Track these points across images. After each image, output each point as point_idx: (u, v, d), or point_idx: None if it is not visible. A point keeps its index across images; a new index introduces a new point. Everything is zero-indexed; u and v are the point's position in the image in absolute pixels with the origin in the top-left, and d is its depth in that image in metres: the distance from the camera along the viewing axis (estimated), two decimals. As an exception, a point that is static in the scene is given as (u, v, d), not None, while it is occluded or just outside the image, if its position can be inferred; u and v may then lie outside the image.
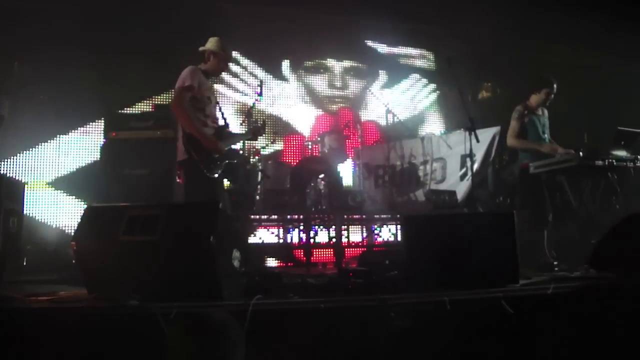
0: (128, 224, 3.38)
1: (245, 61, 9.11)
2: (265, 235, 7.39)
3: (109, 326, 2.83)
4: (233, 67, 8.99)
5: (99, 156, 6.66)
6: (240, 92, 8.95)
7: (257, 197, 7.10)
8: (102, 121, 6.87)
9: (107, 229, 3.43)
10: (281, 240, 7.29)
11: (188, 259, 3.24)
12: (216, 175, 4.79)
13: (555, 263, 5.45)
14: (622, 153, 5.55)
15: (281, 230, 7.37)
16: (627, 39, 9.67)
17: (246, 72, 9.10)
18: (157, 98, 8.07)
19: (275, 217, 7.31)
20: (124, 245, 3.34)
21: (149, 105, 7.91)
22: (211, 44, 5.16)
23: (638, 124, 7.00)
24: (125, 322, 2.86)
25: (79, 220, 3.58)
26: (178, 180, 6.46)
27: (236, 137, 5.57)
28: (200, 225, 3.33)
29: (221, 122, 5.21)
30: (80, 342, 2.75)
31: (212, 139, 4.87)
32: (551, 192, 5.77)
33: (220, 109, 5.25)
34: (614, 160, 5.47)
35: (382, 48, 10.10)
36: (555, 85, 5.94)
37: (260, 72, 8.96)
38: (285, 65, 9.47)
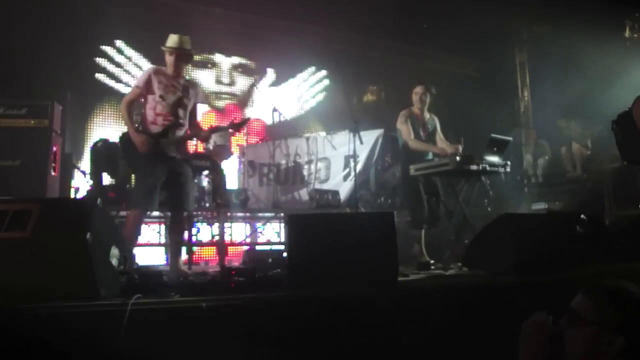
0: (-5, 220, 3.16)
1: (130, 52, 8.81)
2: (146, 233, 7.20)
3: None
4: (117, 58, 8.70)
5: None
6: (124, 84, 8.65)
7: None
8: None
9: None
10: (162, 238, 7.14)
11: (62, 256, 3.08)
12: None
13: (431, 262, 5.69)
14: (494, 159, 5.87)
15: (162, 227, 7.21)
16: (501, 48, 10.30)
17: (130, 63, 8.80)
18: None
19: (157, 213, 7.13)
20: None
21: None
22: (172, 42, 5.18)
23: (508, 131, 7.48)
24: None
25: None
26: (53, 173, 6.19)
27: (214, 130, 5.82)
28: (75, 222, 3.17)
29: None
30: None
31: (141, 137, 4.87)
32: (429, 194, 6.01)
33: (183, 107, 5.13)
34: (487, 166, 5.79)
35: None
36: (423, 87, 6.15)
37: (145, 64, 8.67)
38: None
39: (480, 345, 3.45)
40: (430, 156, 6.07)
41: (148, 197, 4.87)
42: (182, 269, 5.08)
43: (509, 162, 6.06)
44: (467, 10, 8.80)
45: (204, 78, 9.58)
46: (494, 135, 6.02)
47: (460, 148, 5.94)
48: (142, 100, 5.12)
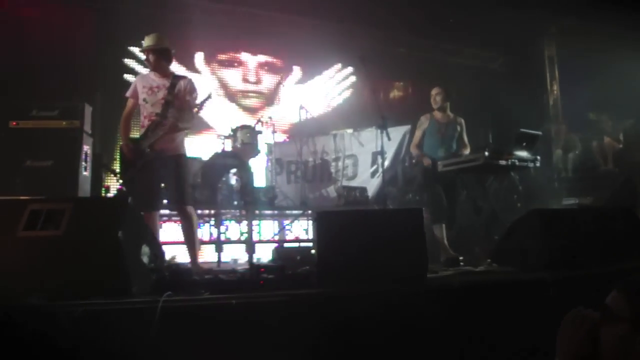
0: (29, 219, 3.22)
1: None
2: (174, 231, 7.27)
3: (9, 326, 2.69)
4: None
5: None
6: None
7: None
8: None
9: (5, 224, 3.25)
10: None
11: (95, 254, 3.13)
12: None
13: (460, 258, 5.65)
14: (523, 154, 5.80)
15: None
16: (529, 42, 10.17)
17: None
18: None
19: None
20: (24, 241, 3.18)
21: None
22: (146, 42, 5.26)
23: (537, 126, 7.38)
24: (25, 322, 2.72)
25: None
26: (84, 173, 6.27)
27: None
28: (107, 220, 3.22)
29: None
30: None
31: (127, 144, 5.14)
32: (456, 190, 5.97)
33: (167, 104, 5.14)
34: (516, 161, 5.72)
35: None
36: (438, 88, 6.12)
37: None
38: (199, 57, 9.32)
39: (512, 342, 3.43)
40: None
41: (145, 199, 4.99)
42: (199, 266, 5.17)
43: (538, 157, 5.98)
44: (494, 4, 8.70)
45: (231, 77, 9.63)
46: (522, 129, 5.95)
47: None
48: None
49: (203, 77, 9.29)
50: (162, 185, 5.20)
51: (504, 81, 10.78)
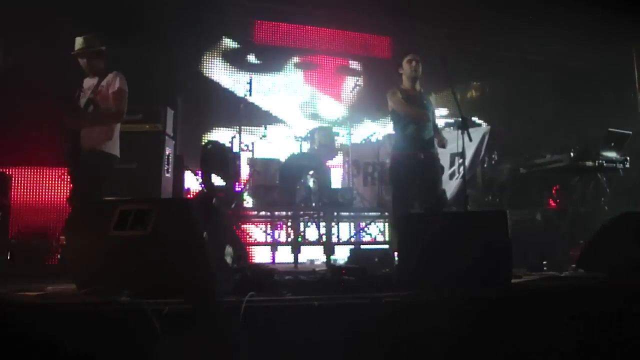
0: (119, 219, 3.32)
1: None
2: (253, 232, 7.39)
3: (99, 323, 2.78)
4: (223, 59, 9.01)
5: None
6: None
7: (246, 194, 7.09)
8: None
9: (97, 224, 3.37)
10: (269, 237, 7.30)
11: (180, 254, 3.20)
12: None
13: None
14: (611, 154, 5.57)
15: (269, 226, 7.37)
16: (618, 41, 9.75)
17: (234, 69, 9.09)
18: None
19: (264, 213, 7.29)
20: (115, 240, 3.29)
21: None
22: (76, 45, 5.20)
23: (627, 125, 7.05)
24: (116, 319, 2.81)
25: (70, 213, 3.52)
26: (167, 175, 6.46)
27: None
28: (192, 221, 3.28)
29: None
30: (69, 339, 2.70)
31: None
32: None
33: (95, 105, 5.10)
34: (604, 162, 5.50)
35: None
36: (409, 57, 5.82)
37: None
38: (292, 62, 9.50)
39: (603, 350, 3.29)
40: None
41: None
42: None
43: (628, 158, 5.72)
44: (579, 3, 8.40)
45: (309, 79, 9.72)
46: (611, 129, 5.71)
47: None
48: None
49: (285, 78, 9.43)
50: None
51: (590, 80, 10.39)
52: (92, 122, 5.07)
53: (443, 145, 5.72)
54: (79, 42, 5.19)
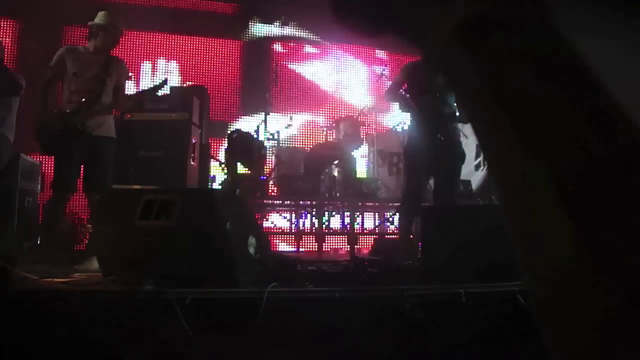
0: (144, 209, 3.35)
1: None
2: (277, 221, 7.42)
3: (123, 310, 2.82)
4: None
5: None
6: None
7: (271, 183, 7.12)
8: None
9: (123, 213, 3.41)
10: (293, 226, 7.32)
11: (204, 244, 3.22)
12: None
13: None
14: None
15: (293, 215, 7.39)
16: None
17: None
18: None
19: (288, 202, 7.31)
20: (140, 229, 3.33)
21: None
22: (99, 18, 5.06)
23: None
24: (140, 307, 2.85)
25: (97, 202, 3.57)
26: (192, 163, 6.50)
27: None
28: (216, 211, 3.30)
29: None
30: (94, 325, 2.74)
31: (49, 115, 4.86)
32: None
33: (101, 82, 4.99)
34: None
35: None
36: None
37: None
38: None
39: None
40: None
41: (64, 179, 4.78)
42: None
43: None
44: None
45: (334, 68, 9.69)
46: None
47: None
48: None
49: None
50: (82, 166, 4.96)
51: None
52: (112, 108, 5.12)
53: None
54: (107, 17, 5.07)
